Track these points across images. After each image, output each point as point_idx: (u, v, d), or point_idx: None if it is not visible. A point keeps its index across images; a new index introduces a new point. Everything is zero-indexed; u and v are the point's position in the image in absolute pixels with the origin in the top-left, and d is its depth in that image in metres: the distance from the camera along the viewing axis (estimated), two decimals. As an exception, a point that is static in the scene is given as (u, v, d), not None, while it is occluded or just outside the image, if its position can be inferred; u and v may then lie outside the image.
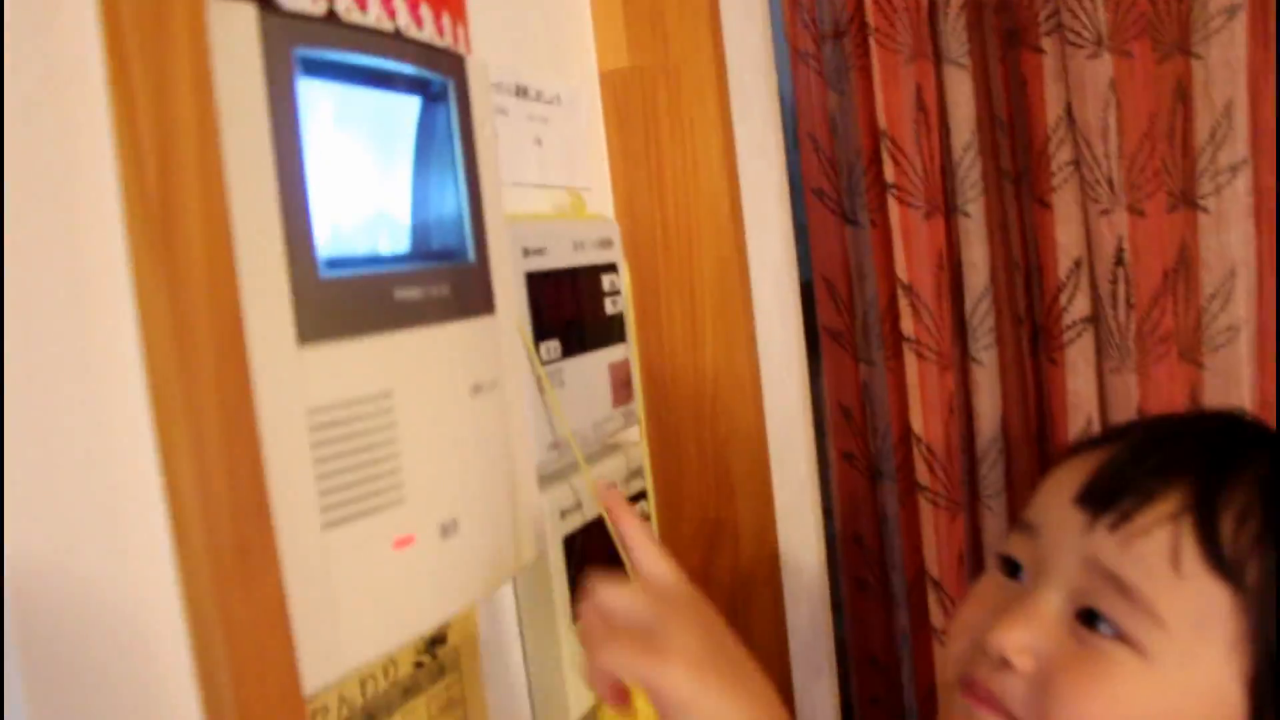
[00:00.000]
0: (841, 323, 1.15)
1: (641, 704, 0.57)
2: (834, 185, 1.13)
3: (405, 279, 0.52)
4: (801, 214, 1.11)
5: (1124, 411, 0.97)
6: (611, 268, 0.83)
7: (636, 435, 0.89)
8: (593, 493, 0.57)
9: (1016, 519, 0.67)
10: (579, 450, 0.73)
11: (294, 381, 0.45)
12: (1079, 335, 0.99)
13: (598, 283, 0.80)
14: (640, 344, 0.90)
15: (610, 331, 0.82)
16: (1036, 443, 1.05)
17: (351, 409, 0.48)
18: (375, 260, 0.52)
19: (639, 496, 0.84)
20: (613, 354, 0.82)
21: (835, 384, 1.16)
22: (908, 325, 1.03)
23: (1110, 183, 0.96)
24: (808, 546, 1.05)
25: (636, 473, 0.84)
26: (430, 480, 0.52)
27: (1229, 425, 0.62)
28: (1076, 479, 0.61)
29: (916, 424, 1.03)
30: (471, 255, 0.57)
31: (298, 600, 0.43)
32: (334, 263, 0.47)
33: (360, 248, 0.51)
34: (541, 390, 0.70)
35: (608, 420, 0.81)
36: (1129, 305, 0.97)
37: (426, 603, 0.53)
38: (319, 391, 0.46)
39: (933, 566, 1.04)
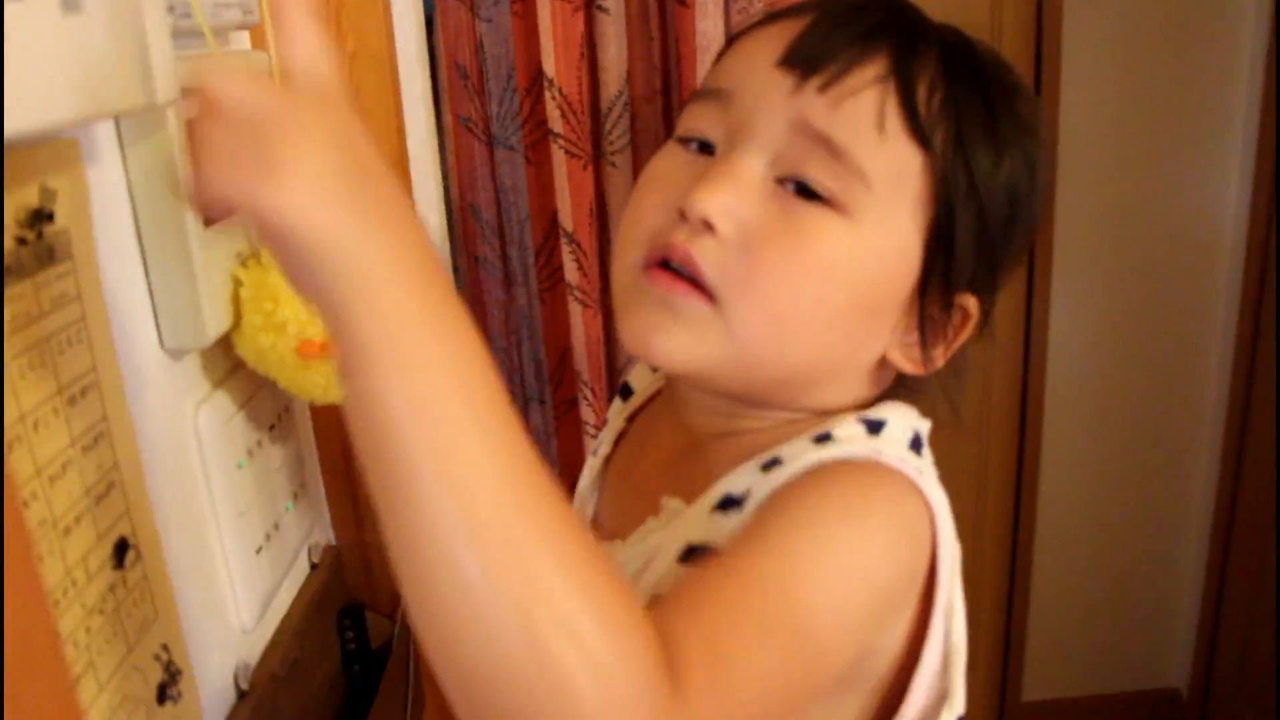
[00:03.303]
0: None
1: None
2: None
3: None
4: None
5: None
6: None
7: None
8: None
9: (698, 89, 0.63)
10: (202, 17, 0.58)
11: None
12: (709, -26, 0.97)
13: None
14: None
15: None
16: (663, 96, 1.04)
17: None
18: None
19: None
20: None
21: (451, 40, 1.06)
22: (537, -42, 0.95)
23: None
24: (428, 220, 0.97)
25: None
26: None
27: (905, 5, 0.63)
28: (774, 45, 0.58)
29: (549, 67, 0.97)
30: None
31: None
32: None
33: None
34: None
35: (226, 6, 0.66)
36: (756, -59, 0.96)
37: (55, 91, 0.39)
38: None
39: (566, 220, 1.01)
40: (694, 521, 0.60)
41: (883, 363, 0.61)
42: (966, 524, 0.61)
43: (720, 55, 0.64)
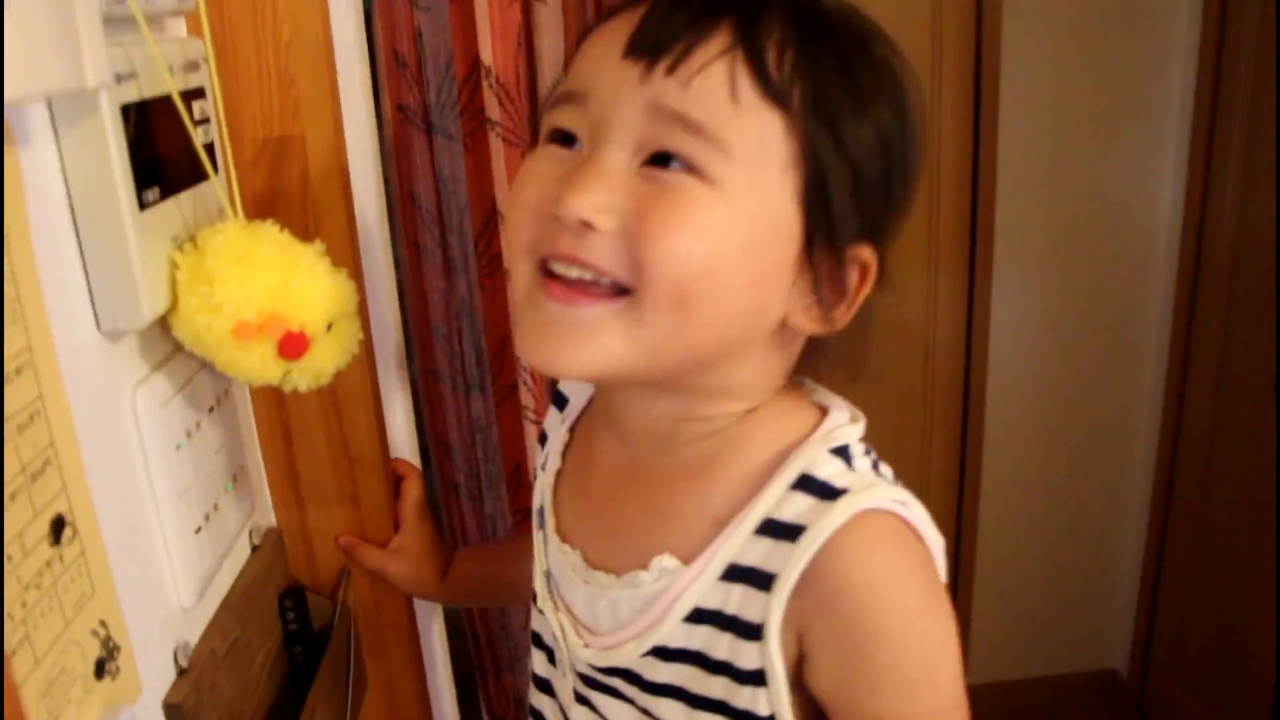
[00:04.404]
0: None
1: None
2: None
3: None
4: None
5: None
6: None
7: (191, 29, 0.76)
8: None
9: (555, 95, 0.63)
10: (135, 4, 0.59)
11: None
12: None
13: None
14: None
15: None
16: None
17: None
18: None
19: (196, 94, 0.71)
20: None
21: (389, 29, 1.07)
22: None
23: None
24: (368, 209, 0.98)
25: (193, 66, 0.71)
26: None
27: None
28: (619, 38, 0.59)
29: (486, 56, 0.99)
30: None
31: None
32: None
33: None
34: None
35: (158, -11, 0.67)
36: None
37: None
38: None
39: (504, 206, 1.03)
40: (698, 587, 0.64)
41: (785, 328, 0.63)
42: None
43: (572, 58, 0.65)
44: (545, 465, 0.79)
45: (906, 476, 0.65)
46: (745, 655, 0.62)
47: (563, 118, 0.61)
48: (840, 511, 0.59)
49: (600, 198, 0.57)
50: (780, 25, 0.58)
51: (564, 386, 0.82)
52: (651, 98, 0.57)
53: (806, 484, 0.62)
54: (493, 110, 1.01)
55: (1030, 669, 2.43)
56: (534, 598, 0.77)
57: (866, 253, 0.63)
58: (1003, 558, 2.32)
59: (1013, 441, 2.23)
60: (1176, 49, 2.00)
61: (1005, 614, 2.37)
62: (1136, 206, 2.11)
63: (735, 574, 0.62)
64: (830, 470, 0.62)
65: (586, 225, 0.57)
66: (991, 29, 1.93)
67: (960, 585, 2.29)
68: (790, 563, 0.59)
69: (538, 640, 0.78)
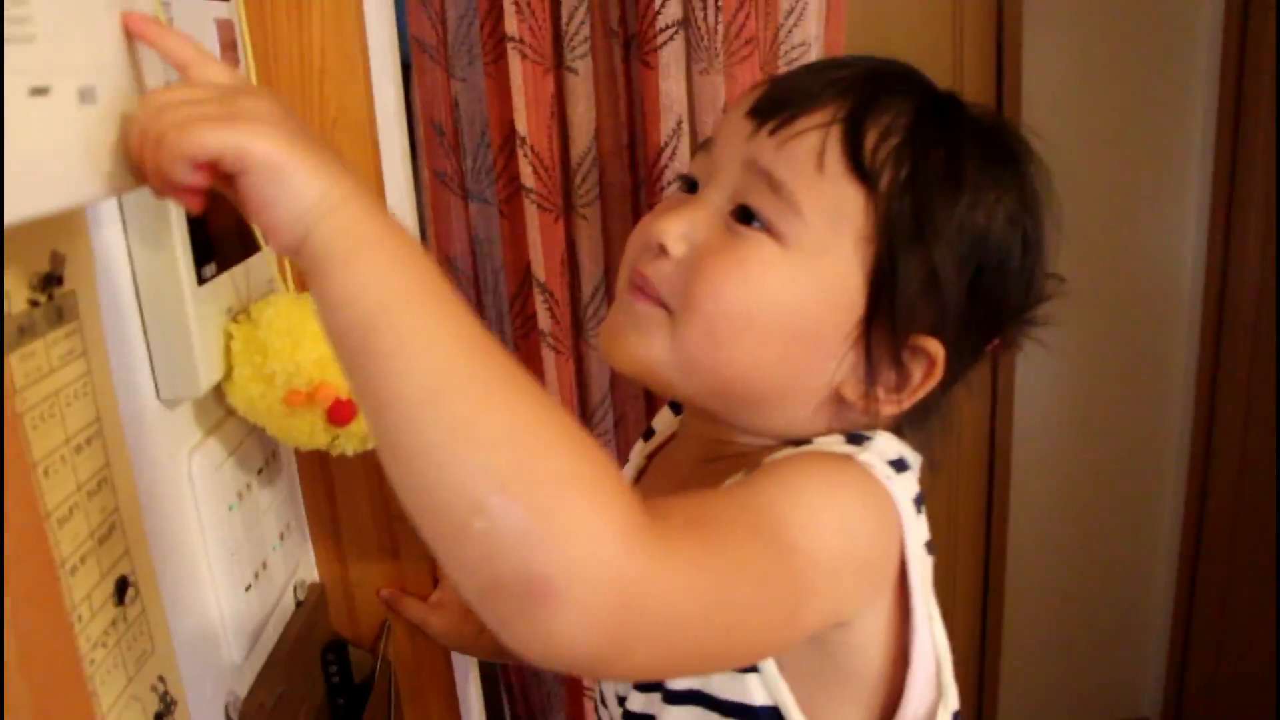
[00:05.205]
0: (432, 34, 1.10)
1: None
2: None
3: None
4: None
5: (712, 111, 1.03)
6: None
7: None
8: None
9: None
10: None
11: None
12: (671, 38, 1.03)
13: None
14: (248, 11, 0.80)
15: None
16: (629, 151, 1.10)
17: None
18: None
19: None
20: (217, 9, 0.72)
21: (427, 99, 1.12)
22: (511, 26, 1.01)
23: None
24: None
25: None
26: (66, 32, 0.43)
27: (895, 64, 0.68)
28: (750, 100, 0.66)
29: (521, 125, 1.03)
30: None
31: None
32: None
33: None
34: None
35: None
36: (717, 9, 1.02)
37: (73, 173, 0.44)
38: None
39: (539, 270, 1.06)
40: None
41: (840, 398, 0.65)
42: (938, 558, 0.65)
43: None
44: None
45: (933, 531, 0.64)
46: None
47: (694, 162, 0.70)
48: (802, 448, 0.63)
49: (683, 227, 0.64)
50: (898, 113, 0.62)
51: (655, 423, 0.87)
52: (751, 153, 0.63)
53: (800, 443, 0.65)
54: (527, 177, 1.05)
55: (1062, 718, 2.41)
56: None
57: (934, 347, 0.63)
58: (1032, 607, 2.31)
59: (1040, 491, 2.23)
60: (1195, 97, 2.02)
61: (1035, 664, 2.35)
62: (1159, 258, 2.12)
63: None
64: (827, 439, 0.64)
65: (662, 248, 0.64)
66: (1011, 79, 1.96)
67: (989, 635, 2.28)
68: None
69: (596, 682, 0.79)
